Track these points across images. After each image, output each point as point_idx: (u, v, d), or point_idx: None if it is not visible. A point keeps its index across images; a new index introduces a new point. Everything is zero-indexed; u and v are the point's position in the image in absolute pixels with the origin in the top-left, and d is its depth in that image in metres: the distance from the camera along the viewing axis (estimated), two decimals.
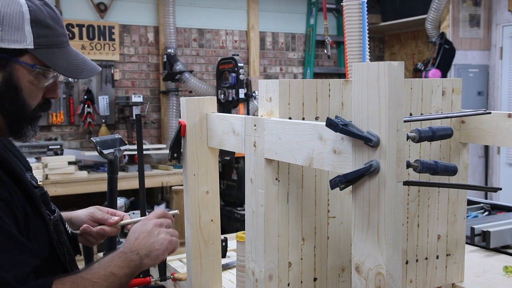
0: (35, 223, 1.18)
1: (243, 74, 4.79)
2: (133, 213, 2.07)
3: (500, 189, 1.53)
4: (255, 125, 1.29)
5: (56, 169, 4.57)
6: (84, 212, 1.53)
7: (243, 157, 1.43)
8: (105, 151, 1.82)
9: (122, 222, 1.53)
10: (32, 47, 1.14)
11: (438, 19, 5.77)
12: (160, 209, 1.45)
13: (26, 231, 1.15)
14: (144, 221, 1.39)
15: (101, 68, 1.34)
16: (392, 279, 0.97)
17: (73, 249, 1.37)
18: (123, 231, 2.00)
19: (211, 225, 1.61)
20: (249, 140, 1.32)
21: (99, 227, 1.49)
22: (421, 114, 1.48)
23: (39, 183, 1.33)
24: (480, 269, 1.85)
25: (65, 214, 1.53)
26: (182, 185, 1.62)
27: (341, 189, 1.01)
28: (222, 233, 1.74)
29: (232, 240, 2.12)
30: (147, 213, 1.98)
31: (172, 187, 4.87)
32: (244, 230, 1.40)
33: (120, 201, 2.05)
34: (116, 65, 5.55)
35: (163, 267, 1.85)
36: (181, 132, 1.55)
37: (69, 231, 1.37)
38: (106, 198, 1.89)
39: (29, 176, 1.30)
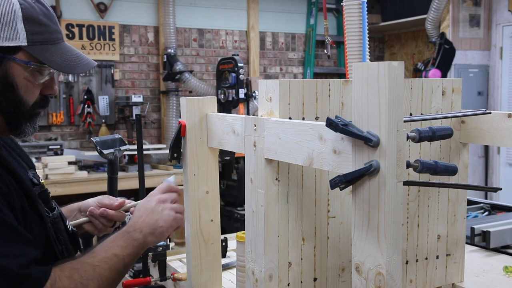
0: (32, 220, 1.18)
1: (243, 74, 4.79)
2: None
3: (500, 189, 1.53)
4: (255, 125, 1.29)
5: (56, 169, 4.57)
6: (93, 199, 1.56)
7: (243, 157, 1.43)
8: (105, 151, 1.82)
9: (127, 205, 1.54)
10: (26, 44, 1.15)
11: (438, 19, 5.77)
12: (165, 183, 1.43)
13: (23, 226, 1.15)
14: (148, 197, 1.38)
15: (96, 63, 1.35)
16: (392, 279, 0.97)
17: (74, 247, 1.37)
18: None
19: (211, 225, 1.61)
20: (249, 140, 1.32)
21: (102, 209, 1.50)
22: (421, 114, 1.48)
23: (41, 181, 1.34)
24: (480, 269, 1.84)
25: (74, 204, 1.56)
26: (182, 185, 1.62)
27: (341, 189, 1.01)
28: (222, 233, 1.74)
29: (232, 240, 2.12)
30: None
31: None
32: (244, 230, 1.40)
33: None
34: (116, 65, 5.55)
35: (163, 267, 1.85)
36: (181, 132, 1.55)
37: (70, 229, 1.37)
38: None
39: (31, 174, 1.30)
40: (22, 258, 1.08)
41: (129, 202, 1.56)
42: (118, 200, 1.55)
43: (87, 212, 1.50)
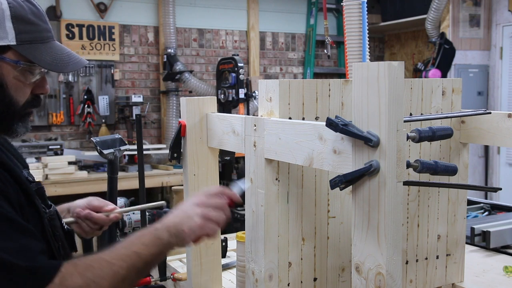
0: (30, 216, 1.18)
1: (243, 74, 4.79)
2: (133, 214, 2.08)
3: (500, 189, 1.53)
4: (255, 125, 1.29)
5: (56, 169, 4.57)
6: (83, 201, 1.52)
7: (243, 157, 1.43)
8: (105, 151, 1.81)
9: (117, 210, 1.51)
10: (15, 43, 1.15)
11: (438, 19, 5.77)
12: (218, 187, 1.32)
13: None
14: (191, 196, 1.30)
15: (87, 62, 1.34)
16: (392, 279, 0.97)
17: (69, 246, 1.36)
18: (123, 231, 2.01)
19: None
20: (249, 140, 1.32)
21: (87, 211, 1.47)
22: (421, 114, 1.48)
23: (36, 180, 1.33)
24: (480, 269, 1.84)
25: (64, 205, 1.54)
26: (182, 185, 1.62)
27: (341, 189, 1.01)
28: (222, 233, 1.74)
29: (232, 240, 2.12)
30: (147, 213, 1.98)
31: (172, 187, 4.87)
32: (244, 230, 1.40)
33: (120, 201, 2.05)
34: (116, 65, 5.54)
35: (163, 267, 1.85)
36: (181, 132, 1.55)
37: (65, 227, 1.37)
38: (106, 198, 1.89)
39: (25, 173, 1.30)
40: (28, 252, 1.07)
41: (118, 209, 1.54)
42: (109, 205, 1.52)
43: (74, 214, 1.49)
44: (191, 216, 1.22)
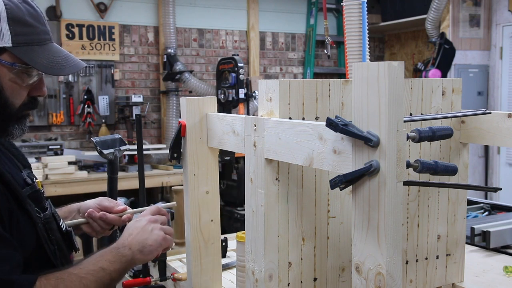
0: (21, 221, 1.18)
1: (243, 74, 4.79)
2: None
3: (500, 189, 1.53)
4: (255, 125, 1.29)
5: (56, 169, 4.57)
6: (93, 201, 1.55)
7: (243, 157, 1.43)
8: (105, 151, 1.82)
9: (129, 211, 1.54)
10: (10, 45, 1.14)
11: (438, 19, 5.77)
12: (155, 206, 1.46)
13: (9, 228, 1.14)
14: (138, 217, 1.40)
15: (85, 64, 1.34)
16: (392, 279, 0.97)
17: (68, 246, 1.36)
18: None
19: (211, 225, 1.61)
20: (249, 140, 1.32)
21: (102, 212, 1.50)
22: (421, 114, 1.48)
23: (36, 181, 1.33)
24: (480, 269, 1.84)
25: (73, 205, 1.55)
26: (182, 185, 1.62)
27: (341, 189, 1.01)
28: (222, 233, 1.74)
29: (232, 240, 2.12)
30: None
31: (172, 187, 4.87)
32: (244, 230, 1.40)
33: (120, 201, 2.05)
34: (116, 65, 5.55)
35: (163, 267, 1.85)
36: (181, 132, 1.55)
37: (64, 228, 1.37)
38: None
39: (25, 174, 1.29)
40: (5, 264, 1.07)
41: (130, 209, 1.56)
42: (120, 205, 1.54)
43: (86, 214, 1.50)
44: (151, 231, 1.34)
